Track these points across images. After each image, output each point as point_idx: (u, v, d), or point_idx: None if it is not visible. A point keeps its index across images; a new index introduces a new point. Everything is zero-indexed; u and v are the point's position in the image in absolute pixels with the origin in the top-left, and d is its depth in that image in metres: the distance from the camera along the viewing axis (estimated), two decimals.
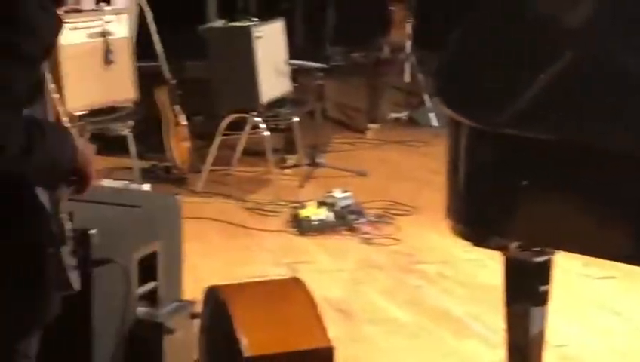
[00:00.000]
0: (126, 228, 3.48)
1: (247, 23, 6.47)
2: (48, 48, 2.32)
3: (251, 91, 6.37)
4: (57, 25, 2.36)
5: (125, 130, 6.62)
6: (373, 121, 8.09)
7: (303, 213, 5.90)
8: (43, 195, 2.33)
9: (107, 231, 3.32)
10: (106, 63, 6.24)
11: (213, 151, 6.59)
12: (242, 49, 6.36)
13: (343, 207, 5.92)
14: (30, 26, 2.22)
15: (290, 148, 7.19)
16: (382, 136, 8.02)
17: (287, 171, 7.07)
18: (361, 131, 8.10)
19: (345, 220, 5.86)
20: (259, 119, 6.43)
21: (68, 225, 2.41)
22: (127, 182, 6.37)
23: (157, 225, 3.64)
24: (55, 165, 2.30)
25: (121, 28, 6.34)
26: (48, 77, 5.21)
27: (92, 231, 3.25)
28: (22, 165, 2.21)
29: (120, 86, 6.34)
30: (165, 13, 6.94)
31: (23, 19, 2.21)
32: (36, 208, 2.31)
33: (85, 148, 2.42)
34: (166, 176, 6.75)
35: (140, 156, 6.82)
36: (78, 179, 2.42)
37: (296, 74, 7.07)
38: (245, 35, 6.35)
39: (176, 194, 3.89)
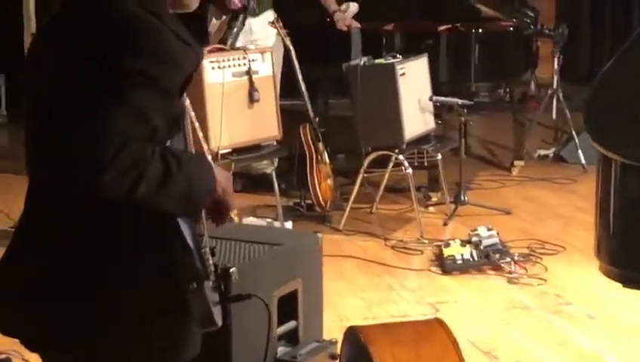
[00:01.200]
0: (266, 266, 3.46)
1: (391, 60, 6.44)
2: (186, 81, 2.33)
3: (394, 128, 6.34)
4: (196, 58, 2.37)
5: (269, 168, 6.68)
6: (519, 158, 7.93)
7: (447, 251, 5.80)
8: (186, 229, 2.32)
9: (247, 268, 3.31)
10: (251, 101, 6.28)
11: (355, 188, 6.57)
12: (386, 86, 6.33)
13: (487, 246, 5.79)
14: (168, 58, 2.24)
15: (434, 185, 7.11)
16: (528, 173, 7.86)
17: (431, 209, 6.99)
18: (507, 168, 7.96)
19: (490, 259, 5.74)
20: (401, 157, 6.37)
21: (210, 260, 2.40)
22: (270, 219, 6.41)
23: (298, 263, 3.61)
24: (192, 195, 2.29)
25: (265, 66, 6.39)
26: (190, 111, 5.31)
27: (232, 269, 3.24)
28: (158, 195, 2.21)
29: (264, 124, 6.37)
30: (309, 51, 6.99)
31: (161, 52, 2.23)
32: (179, 242, 2.31)
33: (224, 178, 2.40)
34: (309, 214, 6.75)
35: (283, 193, 6.87)
36: (217, 209, 2.42)
37: (440, 110, 7.02)
38: (389, 72, 6.32)
39: (318, 231, 3.85)
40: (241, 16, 6.65)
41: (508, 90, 8.37)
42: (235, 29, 6.60)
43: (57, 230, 2.30)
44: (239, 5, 6.70)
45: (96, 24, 2.23)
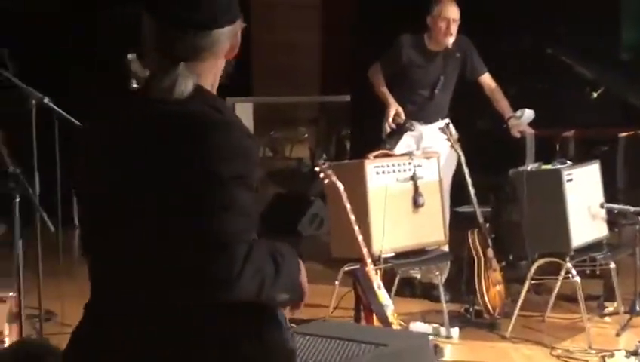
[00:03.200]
0: None
1: (558, 166, 6.35)
2: None
3: (561, 235, 6.20)
4: (258, 149, 2.54)
5: (436, 279, 6.68)
6: None
7: None
8: (282, 318, 2.47)
9: None
10: (415, 206, 6.34)
11: (522, 295, 6.45)
12: (552, 192, 6.23)
13: None
14: (254, 157, 2.38)
15: (609, 294, 6.89)
16: None
17: (606, 319, 6.77)
18: None
19: None
20: (569, 264, 6.22)
21: None
22: (436, 325, 6.38)
23: None
24: (294, 287, 2.46)
25: (431, 171, 6.45)
26: (350, 215, 5.38)
27: None
28: (273, 291, 2.36)
29: (429, 229, 6.41)
30: (484, 157, 7.00)
31: (248, 152, 2.36)
32: (278, 331, 2.44)
33: (303, 268, 2.55)
34: (477, 321, 6.67)
35: (453, 299, 6.83)
36: (298, 297, 2.54)
37: (616, 217, 6.83)
38: (555, 178, 6.22)
39: (430, 334, 3.84)
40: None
41: None
42: (389, 146, 6.78)
43: (157, 318, 2.38)
44: (394, 127, 6.94)
45: (194, 130, 2.33)
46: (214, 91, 2.49)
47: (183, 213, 2.28)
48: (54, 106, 5.48)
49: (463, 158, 6.66)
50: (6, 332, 5.09)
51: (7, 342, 5.04)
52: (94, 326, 2.46)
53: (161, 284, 2.34)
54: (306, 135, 11.51)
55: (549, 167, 6.42)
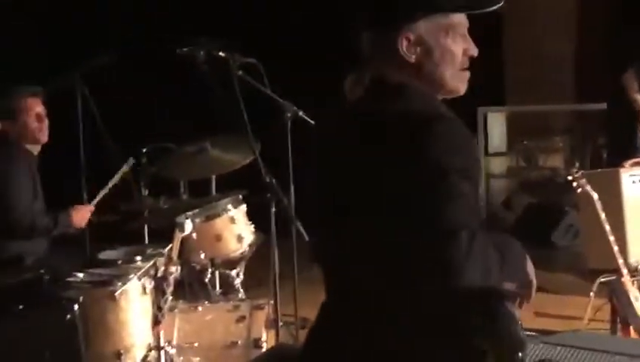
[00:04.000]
0: None
1: None
2: None
3: None
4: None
5: None
6: None
7: None
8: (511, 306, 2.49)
9: None
10: None
11: None
12: None
13: None
14: (475, 151, 2.50)
15: None
16: None
17: None
18: None
19: None
20: None
21: None
22: None
23: None
24: (521, 275, 2.50)
25: None
26: (605, 225, 5.30)
27: None
28: (497, 278, 2.39)
29: None
30: None
31: (472, 145, 2.48)
32: (509, 318, 2.45)
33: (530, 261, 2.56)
34: None
35: None
36: (525, 287, 2.56)
37: None
38: None
39: None
40: None
41: None
42: None
43: (372, 317, 2.46)
44: None
45: (413, 124, 2.40)
46: (433, 95, 2.53)
47: (412, 205, 2.34)
48: (309, 119, 5.61)
49: None
50: (264, 338, 5.24)
51: (265, 348, 5.20)
52: (325, 324, 2.58)
53: (390, 277, 2.40)
54: (561, 144, 11.30)
55: None
